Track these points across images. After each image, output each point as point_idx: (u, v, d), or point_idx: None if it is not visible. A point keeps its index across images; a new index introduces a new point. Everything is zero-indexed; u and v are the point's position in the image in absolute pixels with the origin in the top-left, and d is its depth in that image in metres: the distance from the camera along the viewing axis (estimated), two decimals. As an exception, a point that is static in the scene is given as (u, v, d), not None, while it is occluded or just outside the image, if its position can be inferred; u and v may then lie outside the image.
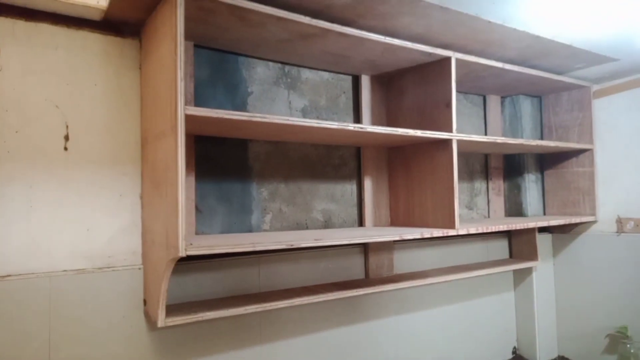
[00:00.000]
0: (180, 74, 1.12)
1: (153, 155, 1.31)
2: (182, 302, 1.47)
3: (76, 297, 1.32)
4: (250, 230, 1.66)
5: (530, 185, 2.44)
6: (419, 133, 1.62)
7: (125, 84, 1.43)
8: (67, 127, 1.34)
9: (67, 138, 1.34)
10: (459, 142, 1.76)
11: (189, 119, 1.16)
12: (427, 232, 1.63)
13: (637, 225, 2.18)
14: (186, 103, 1.16)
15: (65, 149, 1.34)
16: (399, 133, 1.57)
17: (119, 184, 1.41)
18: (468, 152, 2.31)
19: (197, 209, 1.53)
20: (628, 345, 2.12)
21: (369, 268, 1.90)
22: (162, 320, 1.24)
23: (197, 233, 1.52)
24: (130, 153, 1.43)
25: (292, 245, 1.30)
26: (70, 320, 1.31)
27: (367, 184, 1.92)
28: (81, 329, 1.32)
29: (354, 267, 1.89)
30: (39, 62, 1.31)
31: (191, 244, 1.17)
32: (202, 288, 1.52)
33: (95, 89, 1.39)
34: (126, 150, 1.42)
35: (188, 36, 1.44)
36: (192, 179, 1.50)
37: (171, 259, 1.16)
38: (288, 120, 1.31)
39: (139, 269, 1.42)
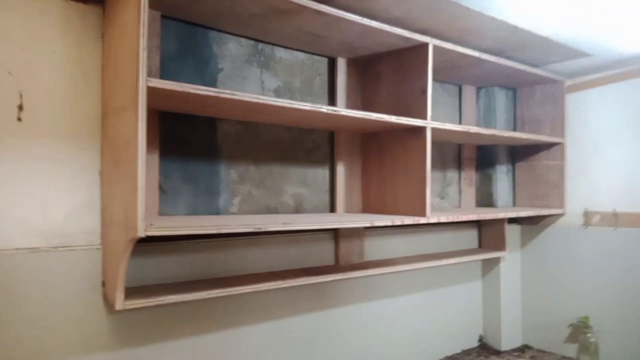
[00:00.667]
0: (142, 42, 1.06)
1: (113, 129, 1.24)
2: (144, 284, 1.42)
3: (29, 277, 1.25)
4: (217, 213, 1.60)
5: (502, 176, 2.46)
6: (393, 119, 1.59)
7: (86, 53, 1.35)
8: (21, 96, 1.26)
9: (21, 108, 1.26)
10: (433, 130, 1.74)
11: (151, 91, 1.09)
12: (398, 220, 1.62)
13: (603, 219, 2.22)
14: (151, 76, 1.09)
15: (19, 119, 1.25)
16: (373, 118, 1.54)
17: (77, 159, 1.33)
18: (442, 141, 2.30)
19: (161, 189, 1.47)
20: (589, 335, 2.18)
21: (340, 254, 1.87)
22: (120, 302, 1.18)
23: (160, 214, 1.46)
24: (89, 127, 1.35)
25: (259, 229, 1.26)
26: (22, 300, 1.24)
27: (340, 169, 1.89)
28: (34, 310, 1.25)
29: (324, 253, 1.86)
30: (-11, 24, 1.21)
31: (152, 225, 1.11)
32: (166, 271, 1.47)
33: (54, 57, 1.30)
34: (85, 124, 1.34)
35: (154, 5, 1.36)
36: (156, 157, 1.43)
37: (130, 239, 1.10)
38: (259, 99, 1.26)
39: (97, 249, 1.35)
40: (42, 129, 1.28)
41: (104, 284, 1.33)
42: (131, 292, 1.30)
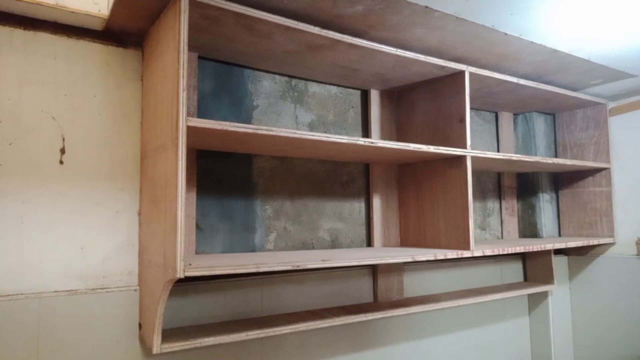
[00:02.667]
0: (182, 83, 1.06)
1: (152, 169, 1.24)
2: (180, 326, 1.38)
3: (67, 320, 1.24)
4: (253, 250, 1.57)
5: (545, 205, 2.35)
6: (431, 149, 1.55)
7: (126, 96, 1.38)
8: (63, 139, 1.28)
9: (63, 151, 1.28)
10: (473, 159, 1.69)
11: (190, 131, 1.09)
12: (441, 254, 1.54)
13: (660, 248, 2.08)
14: (189, 115, 1.10)
15: (61, 162, 1.27)
16: (411, 149, 1.50)
17: (116, 200, 1.34)
18: (480, 170, 2.23)
19: (197, 226, 1.45)
20: (652, 376, 2.00)
21: (378, 291, 1.80)
22: (157, 346, 1.15)
23: (197, 252, 1.44)
24: (128, 167, 1.36)
25: (298, 267, 1.21)
26: (61, 344, 1.22)
27: (376, 202, 1.84)
28: (72, 354, 1.23)
29: (362, 289, 1.79)
30: (36, 72, 1.25)
31: (190, 265, 1.09)
32: (202, 311, 1.43)
33: (95, 100, 1.33)
34: (125, 165, 1.36)
35: (192, 47, 1.39)
36: (194, 195, 1.43)
37: (168, 280, 1.08)
38: (295, 133, 1.24)
39: (135, 290, 1.33)
40: (82, 171, 1.29)
41: (140, 326, 1.31)
42: (168, 334, 1.27)
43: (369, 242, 1.85)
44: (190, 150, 1.41)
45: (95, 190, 1.30)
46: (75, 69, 1.31)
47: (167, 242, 1.08)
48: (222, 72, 1.55)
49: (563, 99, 2.13)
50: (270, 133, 1.20)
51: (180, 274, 1.03)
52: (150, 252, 1.24)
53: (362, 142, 1.38)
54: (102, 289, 1.30)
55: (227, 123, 1.13)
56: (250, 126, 1.17)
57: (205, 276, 1.41)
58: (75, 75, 1.31)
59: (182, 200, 1.04)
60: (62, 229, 1.26)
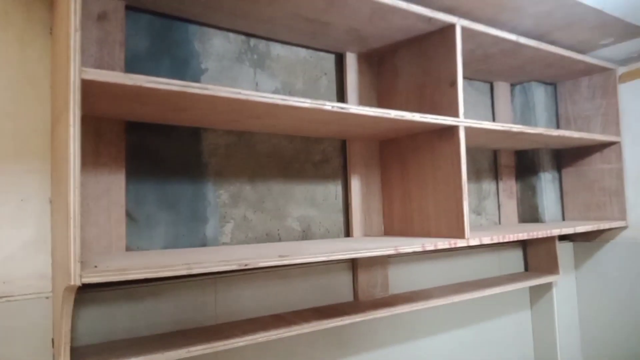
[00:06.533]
0: (75, 21, 0.78)
1: (55, 143, 0.96)
2: (106, 340, 1.11)
3: (-45, 339, 0.97)
4: (204, 244, 1.30)
5: (547, 185, 2.10)
6: (417, 117, 1.28)
7: (32, 54, 1.09)
8: (-54, 108, 1.00)
9: (-55, 123, 1.00)
10: (467, 131, 1.42)
11: (88, 85, 0.81)
12: (430, 243, 1.28)
13: (679, 231, 1.84)
14: (84, 66, 0.81)
15: (-56, 138, 0.99)
16: (391, 116, 1.23)
17: (21, 184, 1.06)
18: (474, 146, 1.97)
19: (129, 217, 1.18)
20: (672, 376, 1.77)
21: (359, 288, 1.54)
22: (63, 372, 0.88)
23: (128, 248, 1.17)
24: (37, 143, 1.08)
25: (246, 266, 0.94)
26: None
27: (355, 184, 1.57)
28: (-40, 383, 0.96)
29: (341, 286, 1.53)
30: None
31: (96, 267, 0.82)
32: (138, 321, 1.17)
33: (-11, 59, 1.04)
34: (32, 140, 1.07)
35: (113, -10, 1.10)
36: (122, 177, 1.15)
37: (66, 287, 0.80)
38: (240, 94, 0.97)
39: (47, 298, 1.06)
40: (-29, 147, 1.01)
41: (53, 342, 1.04)
42: (83, 353, 1.00)
43: (348, 232, 1.59)
44: (112, 122, 1.13)
45: (-13, 173, 1.02)
46: (-40, 18, 1.02)
47: (64, 237, 0.80)
48: (160, 27, 1.27)
49: (567, 64, 1.87)
50: (206, 92, 0.92)
51: (75, 281, 0.76)
52: (56, 250, 0.97)
53: (329, 107, 1.11)
54: (3, 297, 1.02)
55: (142, 77, 0.85)
56: (176, 82, 0.89)
57: (137, 279, 1.14)
58: (-38, 27, 1.02)
59: (77, 179, 0.76)
60: (-58, 222, 0.98)
